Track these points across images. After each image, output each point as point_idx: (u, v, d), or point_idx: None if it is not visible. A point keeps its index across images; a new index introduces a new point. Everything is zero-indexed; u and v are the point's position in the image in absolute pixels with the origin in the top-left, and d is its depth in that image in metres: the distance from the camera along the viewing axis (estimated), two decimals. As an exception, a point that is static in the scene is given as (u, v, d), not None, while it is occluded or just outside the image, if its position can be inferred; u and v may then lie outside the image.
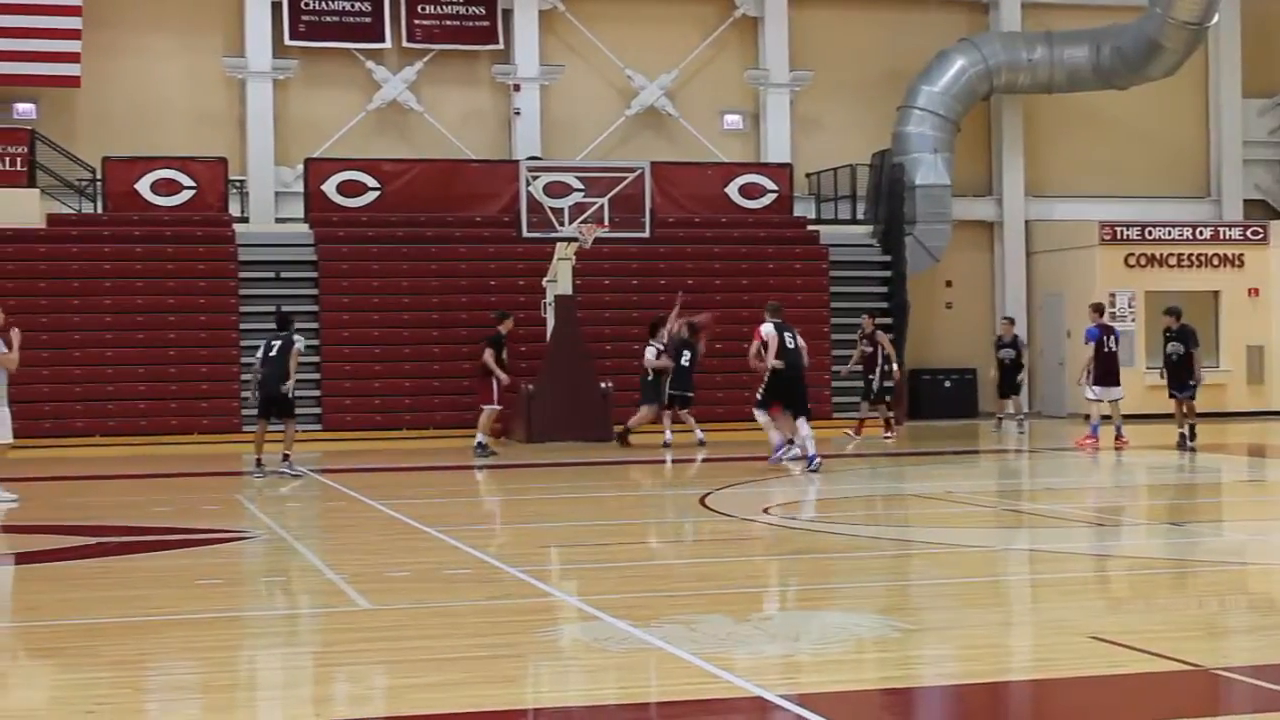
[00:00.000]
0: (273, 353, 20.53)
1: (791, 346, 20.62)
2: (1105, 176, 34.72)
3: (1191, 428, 23.47)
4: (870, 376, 26.56)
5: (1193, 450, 22.84)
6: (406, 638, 9.41)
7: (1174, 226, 32.61)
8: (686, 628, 9.22)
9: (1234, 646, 9.11)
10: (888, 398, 26.77)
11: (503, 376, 23.98)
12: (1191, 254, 32.37)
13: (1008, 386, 27.64)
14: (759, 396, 20.89)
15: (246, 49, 30.88)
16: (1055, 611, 10.29)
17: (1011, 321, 28.07)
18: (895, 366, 26.78)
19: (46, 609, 10.71)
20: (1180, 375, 23.69)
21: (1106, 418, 24.35)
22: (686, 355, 25.15)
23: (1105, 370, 24.24)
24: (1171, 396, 23.88)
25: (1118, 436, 23.87)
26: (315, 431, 27.98)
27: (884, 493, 18.94)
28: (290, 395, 20.54)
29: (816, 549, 13.73)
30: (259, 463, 20.31)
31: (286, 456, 20.38)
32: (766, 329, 20.77)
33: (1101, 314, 24.75)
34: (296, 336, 20.90)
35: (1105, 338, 24.27)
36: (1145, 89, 33.49)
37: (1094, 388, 24.19)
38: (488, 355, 23.91)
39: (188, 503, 17.81)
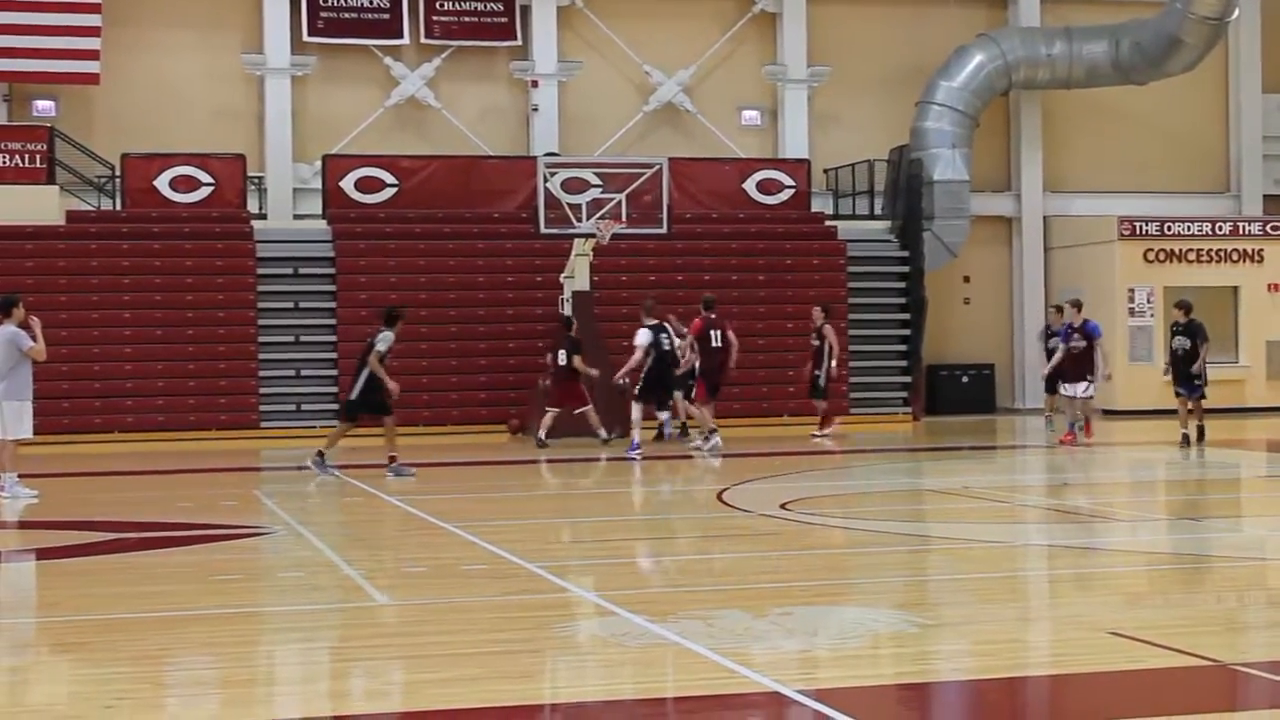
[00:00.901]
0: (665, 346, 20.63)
1: (667, 348, 23.49)
2: (1124, 172, 34.64)
3: (1200, 430, 22.93)
4: (816, 372, 25.63)
5: (1200, 452, 22.28)
6: (423, 633, 9.43)
7: (1193, 222, 32.50)
8: (704, 623, 9.23)
9: (1252, 642, 9.09)
10: (826, 395, 25.84)
11: (594, 373, 24.54)
12: (1211, 249, 32.27)
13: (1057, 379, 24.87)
14: (635, 392, 23.65)
15: (265, 46, 30.93)
16: (1073, 606, 10.28)
17: (1060, 310, 25.53)
18: (834, 363, 25.68)
19: (66, 604, 10.75)
20: (1186, 372, 22.94)
21: (1060, 412, 25.16)
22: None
23: (1071, 366, 23.62)
24: (1177, 394, 23.15)
25: (1071, 431, 23.50)
26: (333, 427, 27.98)
27: (901, 488, 18.92)
28: (354, 397, 19.81)
29: (834, 544, 13.73)
30: (391, 459, 19.78)
31: (321, 453, 19.85)
32: (640, 335, 23.52)
33: (1080, 309, 24.00)
34: (380, 335, 19.83)
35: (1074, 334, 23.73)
36: (1165, 84, 33.40)
37: (1077, 384, 23.52)
38: (579, 361, 24.25)
39: (206, 498, 17.84)
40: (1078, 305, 24.07)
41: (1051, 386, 25.57)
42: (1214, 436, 23.54)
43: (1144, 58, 32.49)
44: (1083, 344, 23.56)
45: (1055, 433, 24.94)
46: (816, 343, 25.69)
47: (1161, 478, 20.13)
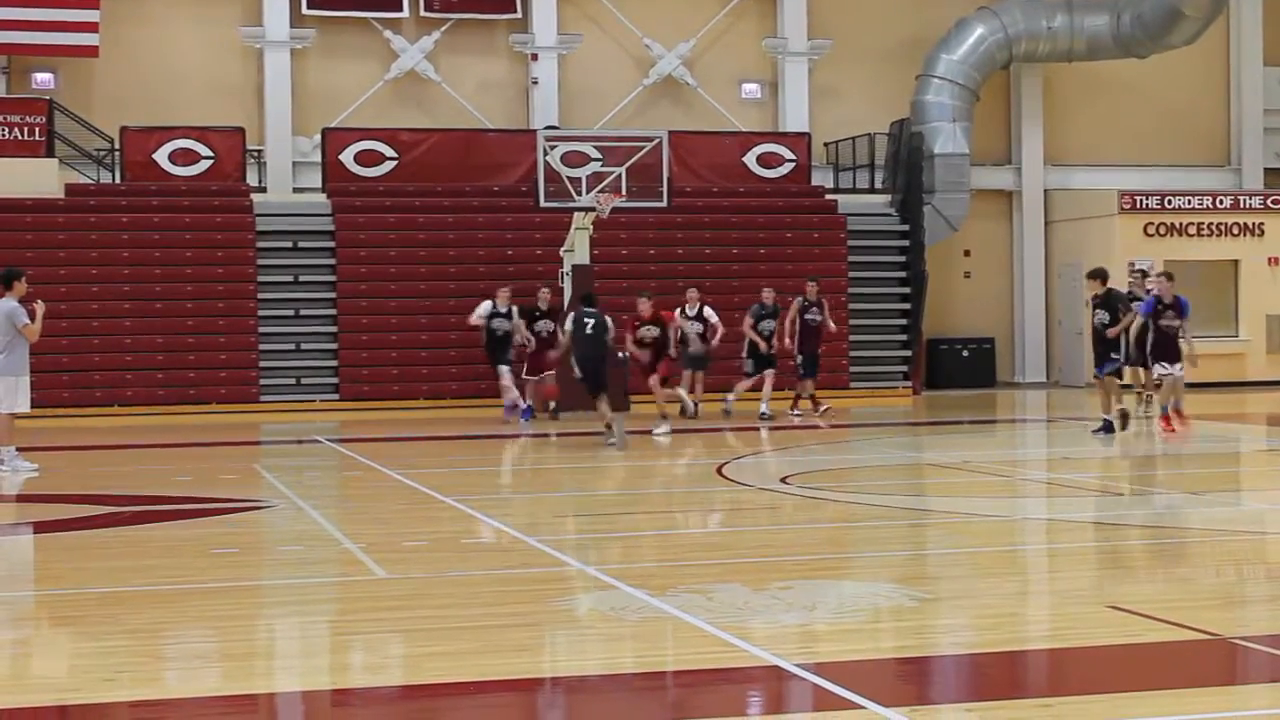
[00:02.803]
0: (589, 330, 19.99)
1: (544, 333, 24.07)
2: (1125, 145, 34.57)
3: (1108, 421, 20.33)
4: (821, 350, 25.08)
5: (1107, 434, 20.09)
6: (422, 607, 9.43)
7: (1194, 195, 32.45)
8: (703, 597, 9.23)
9: (1252, 615, 9.10)
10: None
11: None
12: (1211, 223, 32.23)
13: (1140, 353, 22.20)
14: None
15: (264, 18, 30.82)
16: (1072, 581, 10.29)
17: (1144, 275, 21.54)
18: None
19: (66, 578, 10.75)
20: (1100, 348, 20.57)
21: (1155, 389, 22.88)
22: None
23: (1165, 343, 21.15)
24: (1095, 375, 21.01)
25: (1168, 414, 21.08)
26: (332, 401, 28.06)
27: (901, 462, 18.93)
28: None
29: (833, 518, 13.73)
30: (607, 426, 19.73)
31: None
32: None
33: (1173, 281, 21.55)
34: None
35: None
36: (1166, 57, 33.31)
37: (1175, 364, 20.88)
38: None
39: (206, 472, 17.86)
40: (1170, 277, 21.50)
41: (1144, 360, 22.39)
42: (1215, 410, 23.38)
43: (1145, 30, 32.41)
44: (1176, 323, 21.02)
45: (1151, 415, 22.91)
46: (819, 318, 24.98)
47: (1160, 452, 20.10)
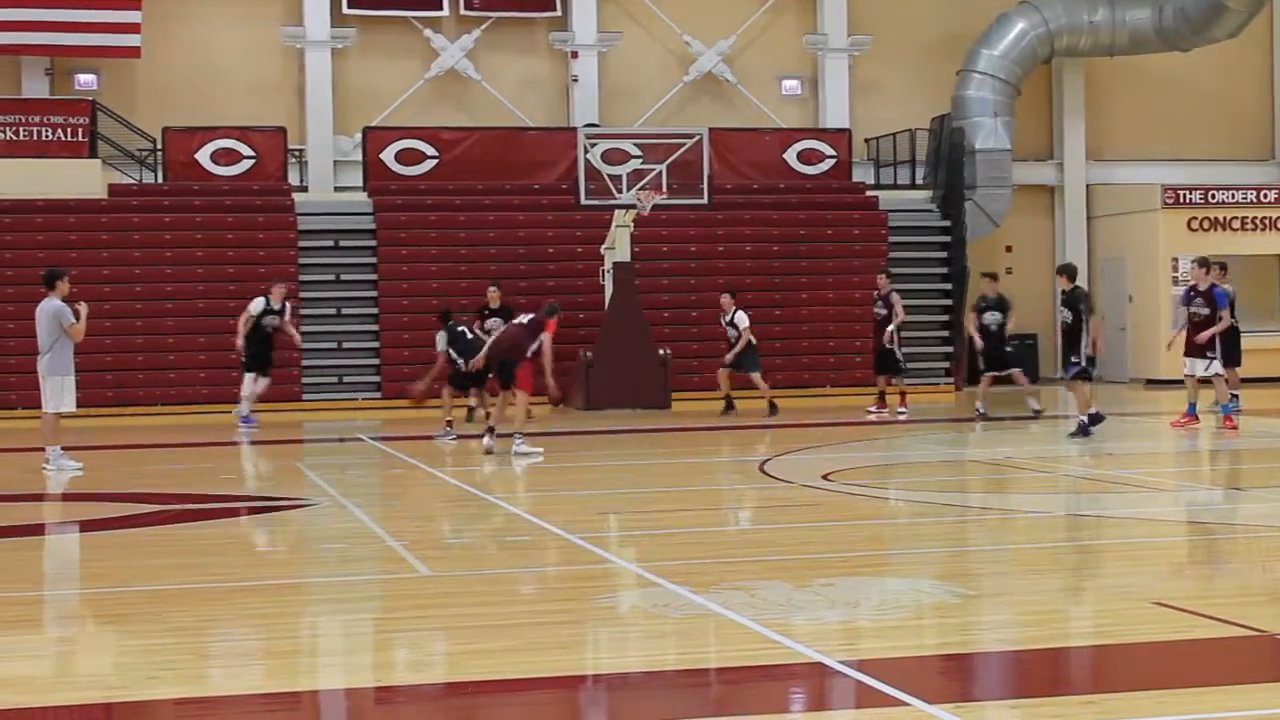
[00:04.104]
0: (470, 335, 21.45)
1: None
2: (1167, 140, 34.37)
3: (1082, 422, 19.59)
4: (889, 345, 25.00)
5: (1083, 436, 19.37)
6: (465, 604, 9.45)
7: (1237, 190, 32.24)
8: (746, 593, 9.22)
9: (1299, 612, 9.03)
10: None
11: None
12: (1255, 217, 32.00)
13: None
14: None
15: (305, 18, 30.93)
16: (1117, 577, 10.23)
17: (1224, 267, 20.94)
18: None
19: (111, 576, 10.81)
20: (1066, 348, 19.93)
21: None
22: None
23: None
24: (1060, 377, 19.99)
25: (1228, 414, 20.88)
26: (374, 399, 28.14)
27: (943, 458, 18.86)
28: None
29: (876, 515, 13.70)
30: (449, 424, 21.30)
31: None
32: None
33: (1209, 270, 21.12)
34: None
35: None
36: (1208, 50, 33.12)
37: (1198, 360, 20.77)
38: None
39: (249, 470, 17.92)
40: (1206, 265, 21.00)
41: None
42: (1261, 405, 23.19)
43: (1188, 23, 32.22)
44: (1205, 311, 20.65)
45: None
46: (883, 311, 24.74)
47: (1204, 448, 19.98)
